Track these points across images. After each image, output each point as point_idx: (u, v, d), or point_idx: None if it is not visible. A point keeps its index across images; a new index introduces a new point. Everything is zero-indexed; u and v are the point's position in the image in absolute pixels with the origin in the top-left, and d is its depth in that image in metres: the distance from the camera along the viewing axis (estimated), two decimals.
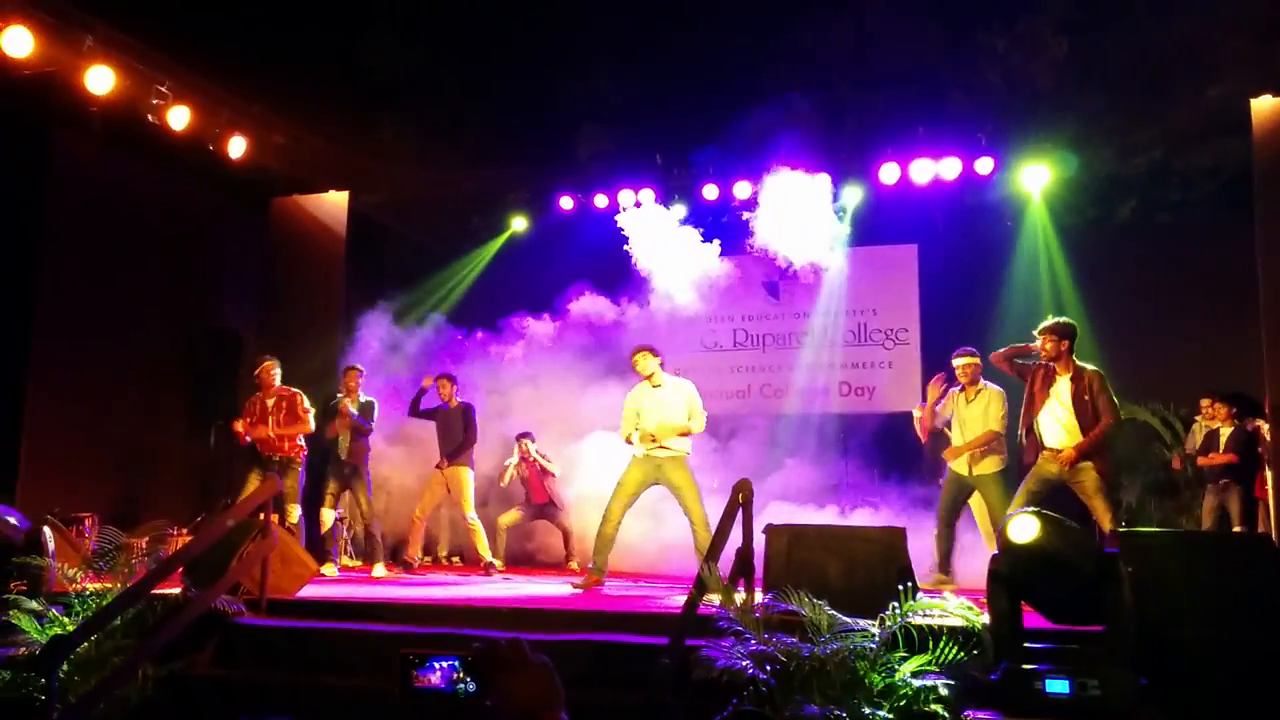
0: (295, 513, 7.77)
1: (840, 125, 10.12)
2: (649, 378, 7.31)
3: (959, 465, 7.24)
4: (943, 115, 9.82)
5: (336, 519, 8.84)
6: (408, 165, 10.62)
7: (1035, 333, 6.57)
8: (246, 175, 9.79)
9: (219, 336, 10.56)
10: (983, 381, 7.36)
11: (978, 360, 7.36)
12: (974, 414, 7.24)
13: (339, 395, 8.55)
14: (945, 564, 7.11)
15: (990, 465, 7.09)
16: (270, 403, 7.94)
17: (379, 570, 8.23)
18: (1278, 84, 8.19)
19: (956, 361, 7.44)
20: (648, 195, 10.25)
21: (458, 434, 8.57)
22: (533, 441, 9.53)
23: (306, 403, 8.01)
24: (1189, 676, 4.30)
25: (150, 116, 8.50)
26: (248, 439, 7.99)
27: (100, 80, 7.93)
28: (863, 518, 9.13)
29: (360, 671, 5.01)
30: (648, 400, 7.26)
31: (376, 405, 8.67)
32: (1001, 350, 6.82)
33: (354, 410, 8.38)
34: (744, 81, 9.82)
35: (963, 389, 7.40)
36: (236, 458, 8.88)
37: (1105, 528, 6.08)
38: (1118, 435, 6.96)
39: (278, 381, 8.05)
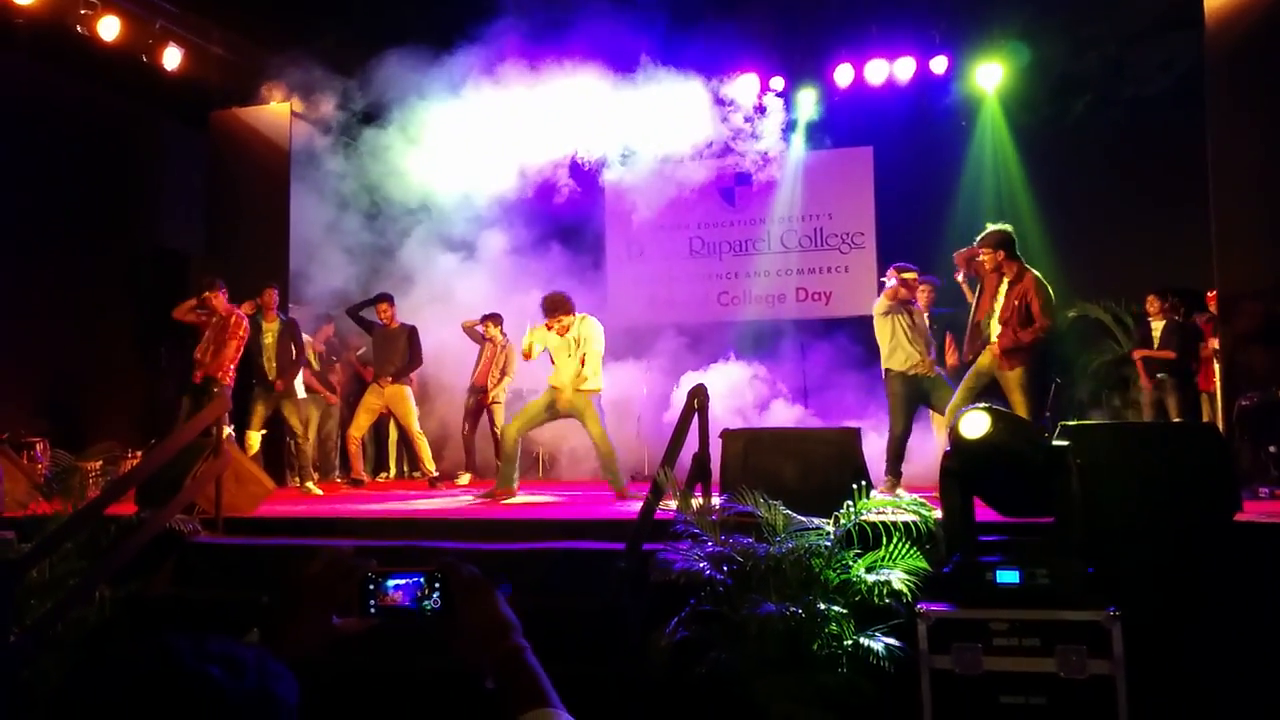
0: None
1: (794, 26, 9.89)
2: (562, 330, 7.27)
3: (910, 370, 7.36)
4: (896, 13, 9.62)
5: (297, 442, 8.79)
6: (352, 74, 10.23)
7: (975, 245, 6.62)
8: (184, 88, 9.45)
9: (163, 255, 10.28)
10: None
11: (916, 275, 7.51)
12: (920, 321, 7.40)
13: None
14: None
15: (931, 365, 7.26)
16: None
17: (310, 487, 8.27)
18: None
19: (905, 276, 7.49)
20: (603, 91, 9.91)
21: (400, 354, 8.53)
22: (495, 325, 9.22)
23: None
24: (1135, 563, 4.43)
25: (79, 27, 8.16)
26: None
27: None
28: (820, 421, 9.23)
29: None
30: (555, 343, 7.29)
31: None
32: (963, 251, 6.86)
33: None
34: None
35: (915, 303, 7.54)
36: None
37: None
38: (1053, 339, 7.09)
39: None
